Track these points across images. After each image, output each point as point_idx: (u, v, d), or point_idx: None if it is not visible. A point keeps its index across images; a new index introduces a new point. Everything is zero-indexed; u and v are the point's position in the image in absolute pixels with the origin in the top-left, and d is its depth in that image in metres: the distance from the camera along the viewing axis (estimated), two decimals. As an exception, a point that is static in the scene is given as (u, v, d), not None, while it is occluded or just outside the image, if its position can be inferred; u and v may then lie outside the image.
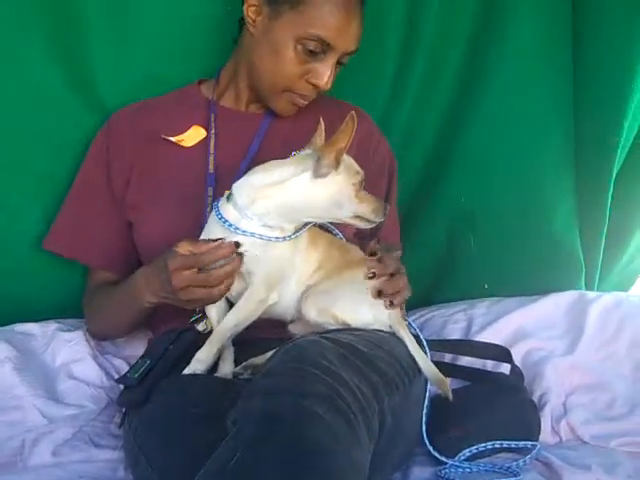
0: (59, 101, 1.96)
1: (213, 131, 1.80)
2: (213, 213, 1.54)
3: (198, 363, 1.54)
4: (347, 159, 1.50)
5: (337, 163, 1.46)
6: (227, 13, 1.88)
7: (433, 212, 2.23)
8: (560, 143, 2.17)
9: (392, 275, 1.55)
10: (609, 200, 2.16)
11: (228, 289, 1.53)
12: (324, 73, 1.70)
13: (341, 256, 1.61)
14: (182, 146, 1.80)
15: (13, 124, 1.95)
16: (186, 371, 1.54)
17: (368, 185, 1.84)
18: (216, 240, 1.49)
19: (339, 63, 1.73)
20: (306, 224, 1.56)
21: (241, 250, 1.49)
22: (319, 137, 1.52)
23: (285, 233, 1.52)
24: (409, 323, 1.66)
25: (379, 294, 1.54)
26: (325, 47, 1.67)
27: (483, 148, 2.16)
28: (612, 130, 2.09)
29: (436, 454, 1.53)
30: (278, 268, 1.54)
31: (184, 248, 1.50)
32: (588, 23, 2.07)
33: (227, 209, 1.52)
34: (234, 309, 1.54)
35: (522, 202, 2.18)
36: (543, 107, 2.13)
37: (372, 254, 1.54)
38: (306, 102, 1.76)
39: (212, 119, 1.82)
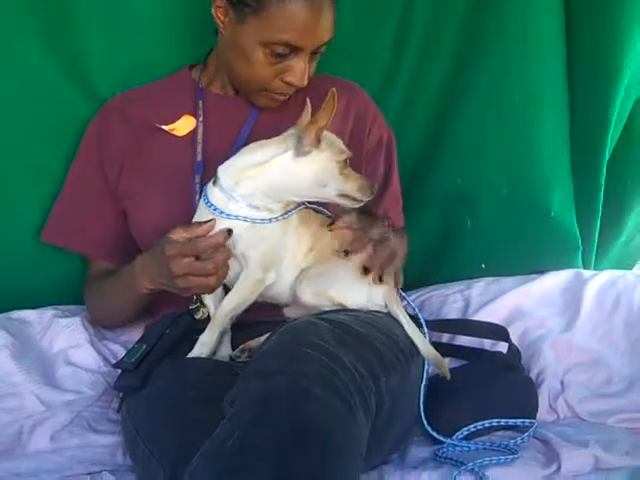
0: (52, 90, 1.96)
1: (201, 119, 1.79)
2: (202, 198, 1.54)
3: (202, 346, 1.54)
4: (331, 137, 1.49)
5: (318, 141, 1.46)
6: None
7: (429, 193, 2.23)
8: (554, 123, 2.15)
9: (376, 245, 1.54)
10: (604, 179, 2.16)
11: (224, 277, 1.53)
12: (298, 71, 1.65)
13: (332, 238, 1.61)
14: (174, 135, 1.79)
15: (6, 115, 1.95)
16: (190, 355, 1.55)
17: (367, 161, 1.86)
18: (208, 221, 1.49)
19: (315, 53, 1.68)
20: (295, 206, 1.56)
21: (234, 233, 1.50)
22: (305, 117, 1.51)
23: (273, 214, 1.52)
24: (408, 303, 1.66)
25: (365, 271, 1.53)
26: (295, 49, 1.62)
27: (478, 129, 2.16)
28: (605, 109, 2.08)
29: (434, 434, 1.53)
30: (271, 248, 1.54)
31: (178, 234, 1.50)
32: (580, 6, 2.06)
33: (213, 193, 1.52)
34: (233, 291, 1.54)
35: (518, 182, 2.18)
36: (537, 88, 2.11)
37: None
38: (287, 97, 1.73)
39: (200, 106, 1.80)
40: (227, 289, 1.59)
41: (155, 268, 1.57)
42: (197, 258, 1.48)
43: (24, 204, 2.00)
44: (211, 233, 1.50)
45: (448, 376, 1.54)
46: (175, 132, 1.79)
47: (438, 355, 1.57)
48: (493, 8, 2.06)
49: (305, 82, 1.67)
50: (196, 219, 1.56)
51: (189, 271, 1.49)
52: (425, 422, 1.54)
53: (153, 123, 1.80)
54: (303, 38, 1.61)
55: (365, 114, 1.88)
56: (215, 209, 1.51)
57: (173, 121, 1.80)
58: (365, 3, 2.10)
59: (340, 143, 1.51)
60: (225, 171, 1.52)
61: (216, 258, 1.48)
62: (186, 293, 1.57)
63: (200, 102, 1.81)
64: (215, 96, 1.83)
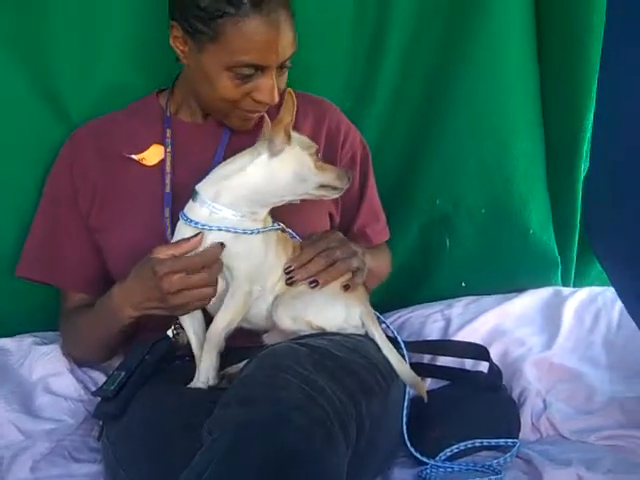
0: (23, 113, 1.95)
1: (169, 149, 1.75)
2: (181, 219, 1.54)
3: (205, 372, 1.53)
4: (298, 135, 1.54)
5: (288, 137, 1.49)
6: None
7: (408, 214, 2.23)
8: (530, 142, 2.18)
9: (321, 253, 1.57)
10: (580, 195, 2.18)
11: (216, 290, 1.52)
12: (267, 89, 1.63)
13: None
14: (144, 165, 1.77)
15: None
16: (194, 385, 1.54)
17: None
18: (195, 235, 1.49)
19: (282, 68, 1.66)
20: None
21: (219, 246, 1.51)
22: (267, 130, 1.53)
23: (257, 223, 1.54)
24: (387, 326, 1.66)
25: (290, 280, 1.56)
26: (258, 68, 1.61)
27: (455, 149, 2.17)
28: (578, 126, 2.11)
29: (417, 455, 1.53)
30: (256, 261, 1.54)
31: (163, 252, 1.49)
32: (550, 27, 2.10)
33: (193, 209, 1.53)
34: (223, 308, 1.53)
35: (496, 201, 2.19)
36: (513, 108, 2.14)
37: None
38: (260, 114, 1.68)
39: (168, 135, 1.77)
40: (205, 311, 1.58)
41: (140, 293, 1.55)
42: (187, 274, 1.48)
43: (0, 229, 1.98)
44: (200, 249, 1.49)
45: (425, 398, 1.55)
46: (145, 162, 1.76)
47: (416, 377, 1.57)
48: (469, 27, 2.08)
49: (276, 98, 1.65)
50: (175, 238, 1.55)
51: (184, 287, 1.48)
52: (408, 443, 1.54)
53: (122, 153, 1.77)
54: (265, 56, 1.60)
55: (337, 130, 1.88)
56: (196, 224, 1.50)
57: (142, 150, 1.77)
58: (338, 21, 2.11)
59: (306, 138, 1.55)
60: (203, 185, 1.53)
61: (210, 270, 1.48)
62: (180, 311, 1.55)
63: (168, 131, 1.77)
64: (183, 124, 1.80)
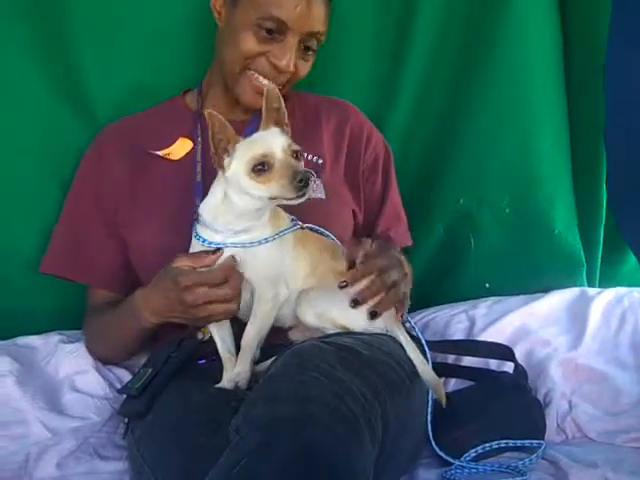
0: (48, 114, 1.98)
1: (199, 140, 1.79)
2: (193, 234, 1.56)
3: (236, 376, 1.54)
4: (243, 146, 1.46)
5: (218, 159, 1.47)
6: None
7: (432, 214, 2.23)
8: (555, 141, 2.17)
9: (379, 275, 1.49)
10: (605, 195, 2.16)
11: (239, 302, 1.53)
12: (284, 53, 1.70)
13: (333, 259, 1.61)
14: (169, 159, 1.79)
15: (2, 138, 1.96)
16: (222, 385, 1.55)
17: (364, 179, 1.88)
18: (215, 250, 1.50)
19: (307, 48, 1.72)
20: (288, 227, 1.57)
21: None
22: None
23: (264, 234, 1.53)
24: (411, 325, 1.65)
25: (355, 303, 1.47)
26: (282, 27, 1.68)
27: (479, 149, 2.17)
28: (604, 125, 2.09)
29: (442, 454, 1.53)
30: (272, 268, 1.54)
31: (182, 263, 1.51)
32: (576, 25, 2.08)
33: (199, 228, 1.54)
34: (251, 319, 1.55)
35: (520, 201, 2.18)
36: (538, 107, 2.13)
37: (351, 264, 1.50)
38: (268, 82, 1.70)
39: (198, 129, 1.81)
40: (232, 318, 1.59)
41: (162, 302, 1.57)
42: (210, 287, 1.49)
43: (25, 229, 2.01)
44: (219, 261, 1.50)
45: (443, 403, 1.54)
46: (170, 156, 1.79)
47: (437, 379, 1.56)
48: (493, 27, 2.08)
49: (290, 67, 1.70)
50: (193, 247, 1.57)
51: (208, 300, 1.49)
52: (433, 443, 1.53)
53: (147, 150, 1.80)
54: (292, 16, 1.67)
55: (360, 133, 1.90)
56: (204, 241, 1.52)
57: (168, 146, 1.80)
58: (363, 23, 2.12)
59: (255, 148, 1.45)
60: (203, 210, 1.54)
61: (232, 283, 1.49)
62: (202, 323, 1.58)
63: (199, 125, 1.81)
64: None
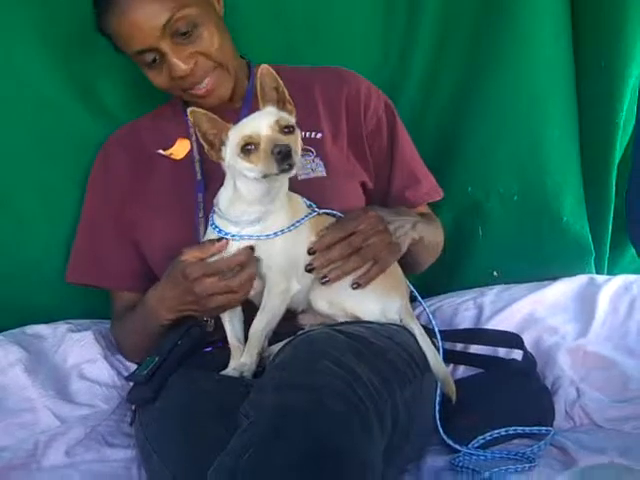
0: (65, 113, 2.00)
1: (194, 138, 1.78)
2: (209, 224, 1.56)
3: (242, 366, 1.54)
4: (233, 132, 1.46)
5: (214, 152, 1.49)
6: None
7: (441, 203, 2.21)
8: (564, 129, 2.15)
9: (345, 239, 1.52)
10: (614, 183, 2.16)
11: (249, 292, 1.53)
12: (172, 66, 1.67)
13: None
14: (173, 159, 1.81)
15: (20, 137, 1.99)
16: (227, 372, 1.55)
17: (369, 143, 1.85)
18: (219, 240, 1.51)
19: (182, 34, 1.66)
20: (303, 217, 1.55)
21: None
22: None
23: (279, 220, 1.52)
24: (425, 309, 1.65)
25: (309, 268, 1.52)
26: (148, 53, 1.67)
27: (488, 137, 2.15)
28: (613, 114, 2.08)
29: (450, 442, 1.53)
30: (286, 260, 1.53)
31: (191, 255, 1.51)
32: (585, 14, 2.07)
33: (215, 219, 1.54)
34: (260, 309, 1.54)
35: (529, 189, 2.17)
36: (546, 95, 2.12)
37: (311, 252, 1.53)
38: (204, 88, 1.72)
39: (190, 125, 1.75)
40: (244, 304, 1.59)
41: (173, 296, 1.57)
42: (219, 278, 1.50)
43: (36, 222, 2.03)
44: (232, 251, 1.50)
45: (453, 398, 1.54)
46: (173, 156, 1.81)
47: (447, 373, 1.57)
48: (502, 17, 2.06)
49: (184, 67, 1.67)
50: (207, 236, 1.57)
51: (215, 291, 1.50)
52: (441, 431, 1.53)
53: (151, 151, 1.82)
54: (140, 40, 1.65)
55: (357, 97, 1.86)
56: (220, 231, 1.52)
57: (170, 146, 1.82)
58: (371, 12, 2.12)
59: (245, 128, 1.45)
60: (218, 201, 1.55)
61: (241, 276, 1.49)
62: (213, 313, 1.58)
63: (188, 121, 1.80)
64: None
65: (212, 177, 1.69)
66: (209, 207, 1.60)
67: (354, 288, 1.54)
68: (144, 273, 1.81)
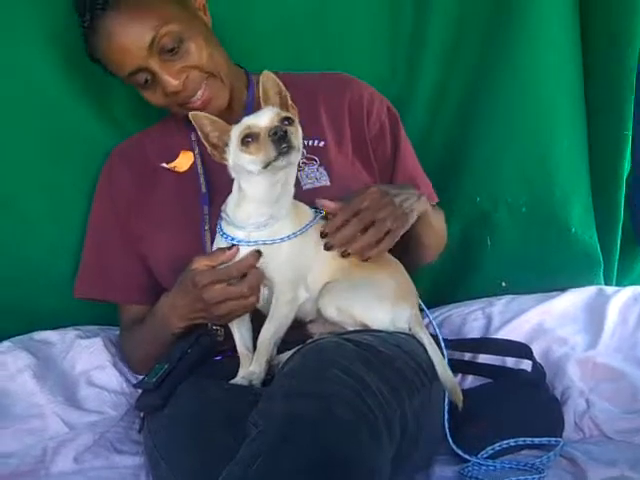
0: (75, 121, 2.01)
1: (197, 151, 1.80)
2: (217, 232, 1.56)
3: (250, 375, 1.54)
4: (234, 130, 1.48)
5: (218, 154, 1.51)
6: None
7: (448, 213, 2.20)
8: (572, 139, 2.15)
9: (356, 215, 1.51)
10: (622, 193, 2.15)
11: (258, 297, 1.54)
12: (164, 83, 1.69)
13: None
14: (177, 172, 1.81)
15: (31, 145, 2.00)
16: (236, 381, 1.55)
17: (373, 148, 1.86)
18: (230, 248, 1.51)
19: (169, 51, 1.67)
20: (310, 222, 1.56)
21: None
22: None
23: (285, 227, 1.53)
24: (430, 321, 1.65)
25: (327, 246, 1.52)
26: (139, 74, 1.69)
27: (496, 148, 2.15)
28: (621, 124, 2.08)
29: (459, 452, 1.52)
30: (294, 266, 1.54)
31: (201, 263, 1.51)
32: (594, 24, 2.07)
33: (223, 225, 1.55)
34: (268, 318, 1.55)
35: (537, 199, 2.17)
36: (555, 105, 2.12)
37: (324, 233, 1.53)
38: (197, 100, 1.73)
39: (193, 138, 1.81)
40: (253, 313, 1.59)
41: (184, 304, 1.58)
42: (228, 284, 1.50)
43: (43, 226, 2.04)
44: (237, 258, 1.51)
45: (460, 405, 1.53)
46: (177, 169, 1.82)
47: (455, 382, 1.56)
48: (509, 31, 2.06)
49: (175, 82, 1.68)
50: (216, 244, 1.58)
51: (224, 297, 1.50)
52: (450, 440, 1.53)
53: (155, 164, 1.83)
54: (128, 62, 1.67)
55: (360, 102, 1.87)
56: (227, 237, 1.53)
57: (173, 159, 1.82)
58: (378, 23, 2.13)
59: (246, 120, 1.48)
60: (226, 206, 1.56)
61: (249, 280, 1.49)
62: (223, 320, 1.58)
63: (193, 134, 1.80)
64: None
65: (217, 190, 1.70)
66: (214, 219, 1.61)
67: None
68: (151, 286, 1.82)
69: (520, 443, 1.56)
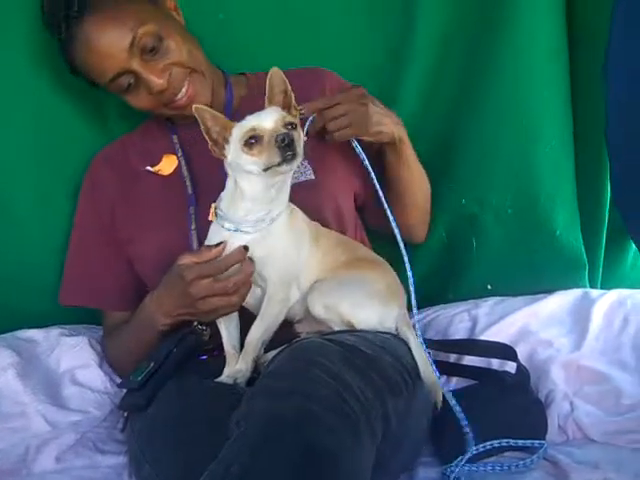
0: (65, 124, 2.01)
1: (180, 154, 1.81)
2: (214, 222, 1.56)
3: (237, 373, 1.54)
4: (237, 128, 1.49)
5: (218, 149, 1.51)
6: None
7: (434, 216, 2.22)
8: (558, 142, 2.15)
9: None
10: (608, 196, 2.16)
11: (246, 296, 1.53)
12: (147, 83, 1.69)
13: (347, 254, 1.61)
14: (161, 175, 1.82)
15: (21, 147, 2.00)
16: (222, 379, 1.55)
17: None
18: (217, 245, 1.50)
19: (150, 50, 1.68)
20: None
21: (248, 254, 1.51)
22: None
23: (278, 227, 1.54)
24: (415, 321, 1.65)
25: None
26: (123, 77, 1.69)
27: (482, 150, 2.15)
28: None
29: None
30: (287, 264, 1.54)
31: (187, 260, 1.51)
32: (581, 27, 2.08)
33: (218, 220, 1.55)
34: (258, 317, 1.55)
35: (522, 202, 2.17)
36: (541, 108, 2.11)
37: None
38: (182, 100, 1.74)
39: (175, 140, 1.82)
40: (242, 312, 1.59)
41: (171, 300, 1.58)
42: (215, 279, 1.50)
43: (30, 227, 2.03)
44: (226, 252, 1.51)
45: (439, 406, 1.54)
46: (161, 172, 1.82)
47: (436, 382, 1.57)
48: (498, 33, 2.06)
49: (160, 81, 1.69)
50: (208, 239, 1.57)
51: (210, 293, 1.50)
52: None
53: (138, 168, 1.83)
54: (110, 67, 1.67)
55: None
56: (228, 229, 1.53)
57: (157, 163, 1.83)
58: (366, 26, 2.13)
59: (246, 123, 1.48)
60: (220, 201, 1.56)
61: (236, 277, 1.49)
62: (209, 317, 1.58)
63: (174, 137, 1.82)
64: (185, 127, 1.83)
65: (202, 190, 1.71)
66: (201, 220, 1.62)
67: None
68: (135, 292, 1.82)
69: (504, 445, 1.56)
